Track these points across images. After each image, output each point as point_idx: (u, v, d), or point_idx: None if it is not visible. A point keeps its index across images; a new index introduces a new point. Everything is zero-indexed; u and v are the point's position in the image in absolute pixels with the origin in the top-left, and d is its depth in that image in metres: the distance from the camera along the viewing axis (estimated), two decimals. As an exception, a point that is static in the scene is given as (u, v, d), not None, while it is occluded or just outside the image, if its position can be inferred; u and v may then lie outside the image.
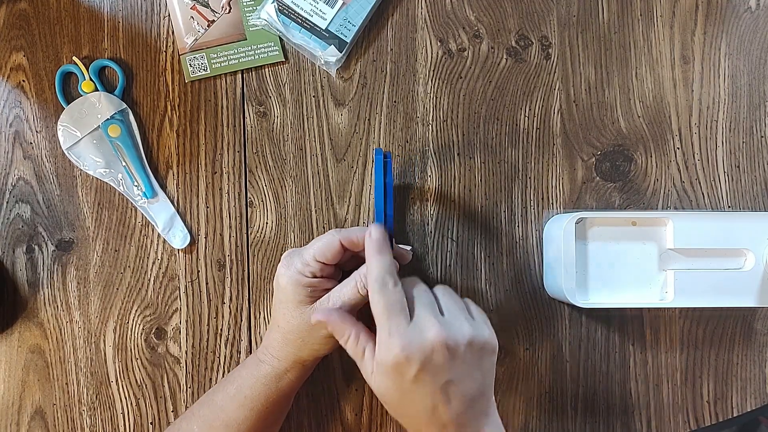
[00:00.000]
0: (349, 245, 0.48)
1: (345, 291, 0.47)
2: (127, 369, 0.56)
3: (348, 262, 0.51)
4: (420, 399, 0.42)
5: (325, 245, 0.47)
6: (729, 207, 0.57)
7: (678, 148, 0.57)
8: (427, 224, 0.56)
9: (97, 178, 0.56)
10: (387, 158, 0.49)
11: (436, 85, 0.57)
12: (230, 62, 0.56)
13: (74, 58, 0.56)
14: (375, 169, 0.48)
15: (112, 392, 0.56)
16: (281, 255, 0.56)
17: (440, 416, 0.42)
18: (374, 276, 0.43)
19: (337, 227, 0.56)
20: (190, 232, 0.56)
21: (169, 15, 0.57)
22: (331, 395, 0.56)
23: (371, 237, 0.45)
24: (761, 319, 0.56)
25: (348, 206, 0.57)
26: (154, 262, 0.56)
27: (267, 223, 0.56)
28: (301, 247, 0.55)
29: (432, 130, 0.57)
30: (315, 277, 0.48)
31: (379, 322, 0.42)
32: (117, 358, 0.56)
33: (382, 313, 0.42)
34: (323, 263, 0.48)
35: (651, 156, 0.57)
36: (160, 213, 0.56)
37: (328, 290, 0.48)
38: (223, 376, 0.56)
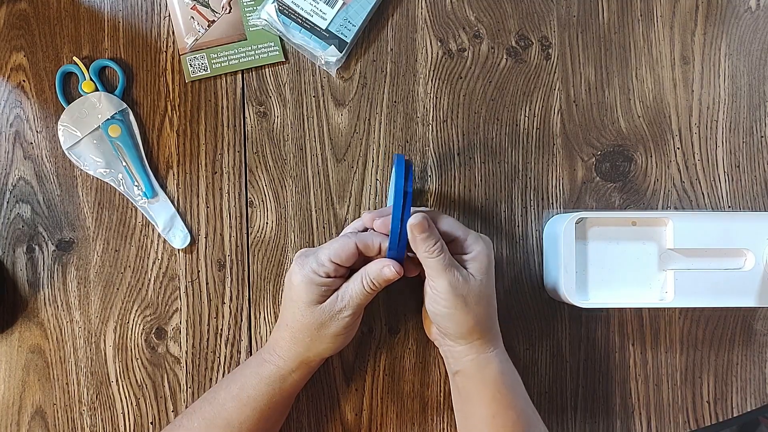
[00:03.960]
0: (364, 250, 0.48)
1: (352, 287, 0.48)
2: (127, 369, 0.56)
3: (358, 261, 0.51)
4: (492, 295, 0.50)
5: (341, 247, 0.47)
6: (729, 207, 0.57)
7: (678, 148, 0.57)
8: (427, 224, 0.56)
9: (97, 178, 0.56)
10: (409, 166, 0.47)
11: (436, 85, 0.57)
12: (230, 62, 0.56)
13: (74, 58, 0.56)
14: (395, 175, 0.46)
15: (113, 392, 0.56)
16: (281, 255, 0.56)
17: (494, 317, 0.51)
18: (423, 217, 0.46)
19: (337, 227, 0.56)
20: (191, 232, 0.56)
21: (169, 15, 0.57)
22: (331, 395, 0.56)
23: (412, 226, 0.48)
24: (761, 319, 0.56)
25: (348, 206, 0.57)
26: (154, 262, 0.56)
27: (267, 223, 0.56)
28: (302, 247, 0.56)
29: (432, 130, 0.57)
30: (329, 277, 0.48)
31: (460, 234, 0.49)
32: (117, 358, 0.56)
33: (460, 228, 0.49)
34: (338, 264, 0.48)
35: (651, 156, 0.57)
36: (161, 213, 0.56)
37: (338, 290, 0.48)
38: (223, 376, 0.56)
